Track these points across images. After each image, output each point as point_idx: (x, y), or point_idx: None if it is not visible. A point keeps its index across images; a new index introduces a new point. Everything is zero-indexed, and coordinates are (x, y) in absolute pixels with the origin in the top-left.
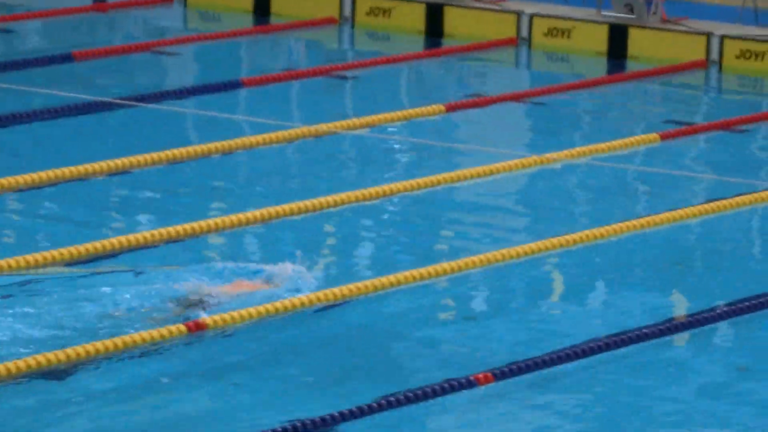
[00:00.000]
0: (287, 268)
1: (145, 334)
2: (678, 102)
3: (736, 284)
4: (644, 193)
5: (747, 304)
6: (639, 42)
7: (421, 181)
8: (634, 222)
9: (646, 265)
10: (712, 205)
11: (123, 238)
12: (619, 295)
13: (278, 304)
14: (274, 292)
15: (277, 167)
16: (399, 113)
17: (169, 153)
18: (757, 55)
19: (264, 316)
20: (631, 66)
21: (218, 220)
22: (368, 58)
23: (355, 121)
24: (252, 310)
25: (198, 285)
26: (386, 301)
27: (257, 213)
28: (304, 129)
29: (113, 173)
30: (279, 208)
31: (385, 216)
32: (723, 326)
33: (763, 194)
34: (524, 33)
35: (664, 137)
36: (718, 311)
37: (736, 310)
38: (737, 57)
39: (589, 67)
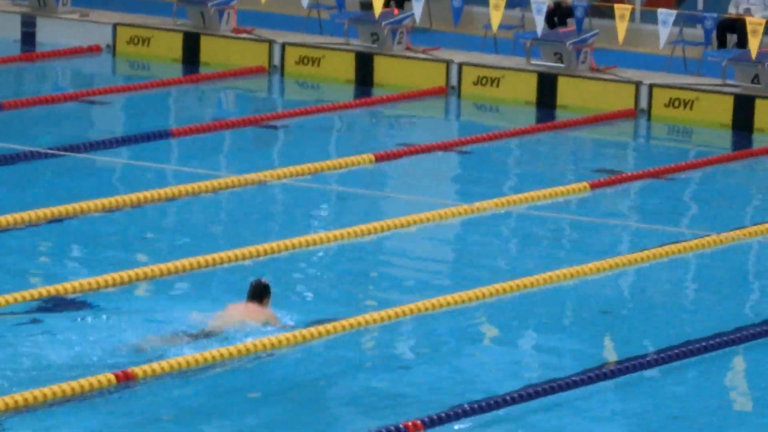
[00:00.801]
0: (220, 318)
1: (74, 384)
2: (608, 150)
3: (665, 332)
4: (574, 242)
5: (676, 351)
6: (568, 91)
7: (350, 230)
8: (564, 271)
9: (576, 314)
10: (642, 254)
11: (51, 287)
12: (548, 342)
13: (207, 354)
14: (207, 342)
15: (205, 217)
16: (328, 162)
17: (98, 202)
18: (685, 104)
19: (194, 366)
20: (561, 115)
21: (147, 269)
22: (298, 107)
23: (284, 170)
24: (181, 359)
25: (144, 335)
26: (315, 351)
27: (186, 262)
28: (233, 178)
29: (41, 222)
30: (208, 257)
31: (314, 265)
32: (653, 373)
33: (691, 243)
34: (453, 82)
35: (594, 186)
36: (648, 358)
37: (665, 357)
38: (666, 105)
39: (518, 116)
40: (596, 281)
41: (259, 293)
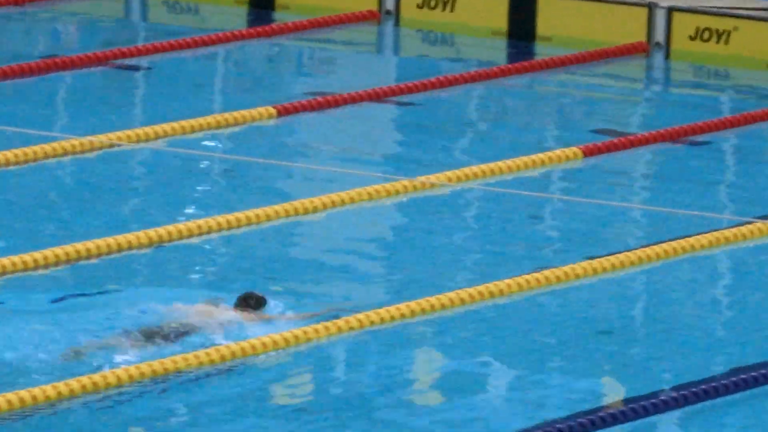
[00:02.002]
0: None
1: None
2: (607, 103)
3: (688, 359)
4: (558, 233)
5: (703, 387)
6: (551, 16)
7: (241, 215)
8: (546, 273)
9: (563, 334)
10: (654, 249)
11: None
12: (529, 375)
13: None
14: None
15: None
16: (212, 118)
17: None
18: (719, 35)
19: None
20: (541, 50)
21: None
22: (166, 39)
23: (146, 130)
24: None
25: None
26: (204, 383)
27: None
28: (76, 142)
29: None
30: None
31: (184, 264)
32: (671, 417)
33: (725, 233)
34: (389, 4)
35: (587, 153)
36: (663, 397)
37: (688, 396)
38: (692, 38)
39: (481, 52)
40: (591, 289)
41: (252, 304)
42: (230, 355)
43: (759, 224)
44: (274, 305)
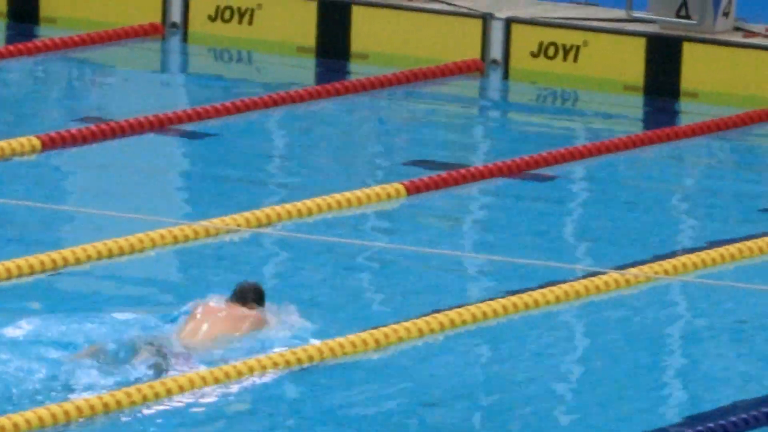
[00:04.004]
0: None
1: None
2: (435, 129)
3: None
4: (380, 287)
5: None
6: (366, 32)
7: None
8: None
9: None
10: (497, 303)
11: None
12: None
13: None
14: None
15: None
16: None
17: None
18: (567, 51)
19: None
20: (356, 69)
21: None
22: None
23: None
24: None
25: None
26: None
27: None
28: None
29: None
30: None
31: None
32: None
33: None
34: (175, 16)
35: (411, 189)
36: None
37: None
38: (534, 54)
39: (284, 71)
40: (417, 355)
41: (252, 298)
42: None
43: (614, 275)
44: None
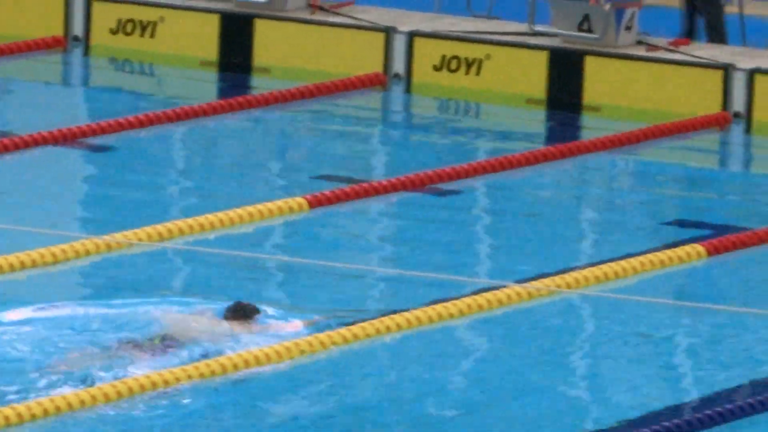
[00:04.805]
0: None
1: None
2: (339, 144)
3: None
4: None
5: None
6: (269, 45)
7: None
8: (269, 351)
9: None
10: (393, 319)
11: None
12: None
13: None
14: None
15: None
16: None
17: None
18: (469, 65)
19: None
20: (259, 83)
21: None
22: None
23: None
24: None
25: None
26: None
27: None
28: None
29: None
30: None
31: None
32: None
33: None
34: (77, 30)
35: (314, 203)
36: None
37: None
38: (437, 68)
39: (187, 85)
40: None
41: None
42: (232, 367)
43: (517, 288)
44: (263, 316)
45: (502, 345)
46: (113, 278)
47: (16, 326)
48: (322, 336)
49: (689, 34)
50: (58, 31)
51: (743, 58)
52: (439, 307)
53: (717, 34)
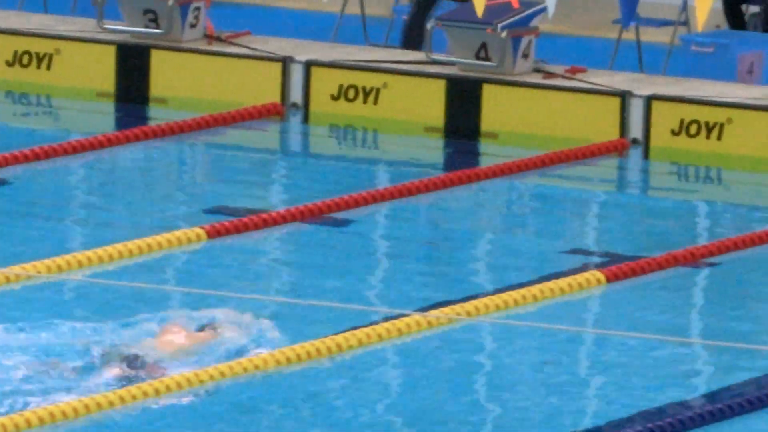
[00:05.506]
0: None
1: None
2: (237, 176)
3: None
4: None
5: None
6: (165, 76)
7: None
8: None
9: None
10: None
11: None
12: None
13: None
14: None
15: None
16: None
17: None
18: (366, 94)
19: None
20: (156, 114)
21: None
22: None
23: None
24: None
25: None
26: None
27: None
28: None
29: None
30: None
31: None
32: None
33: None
34: None
35: (212, 233)
36: None
37: None
38: (334, 97)
39: (84, 117)
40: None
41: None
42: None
43: (417, 317)
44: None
45: (402, 374)
46: (12, 310)
47: None
48: (211, 370)
49: None
50: None
51: (640, 84)
52: (338, 337)
53: None
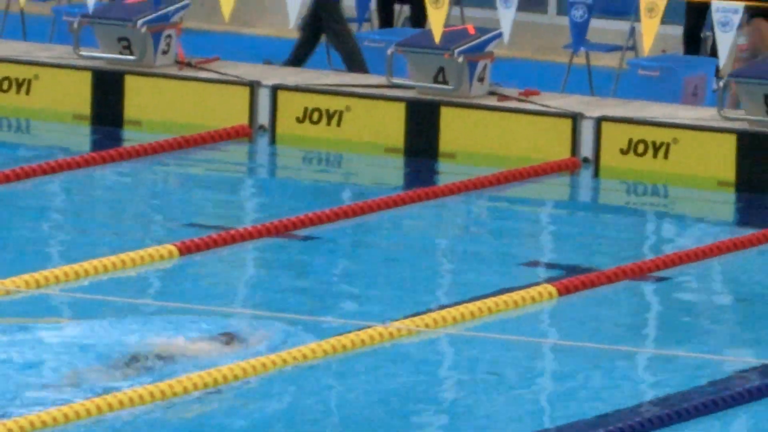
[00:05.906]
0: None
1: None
2: (208, 194)
3: None
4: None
5: None
6: (138, 100)
7: None
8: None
9: None
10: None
11: None
12: None
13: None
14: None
15: None
16: None
17: None
18: (330, 117)
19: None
20: (129, 136)
21: None
22: None
23: None
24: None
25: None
26: None
27: None
28: None
29: None
30: None
31: None
32: None
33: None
34: None
35: (184, 250)
36: None
37: None
38: (299, 120)
39: (61, 138)
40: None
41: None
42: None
43: (379, 328)
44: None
45: (361, 384)
46: None
47: None
48: (183, 379)
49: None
50: None
51: (591, 107)
52: (304, 348)
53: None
